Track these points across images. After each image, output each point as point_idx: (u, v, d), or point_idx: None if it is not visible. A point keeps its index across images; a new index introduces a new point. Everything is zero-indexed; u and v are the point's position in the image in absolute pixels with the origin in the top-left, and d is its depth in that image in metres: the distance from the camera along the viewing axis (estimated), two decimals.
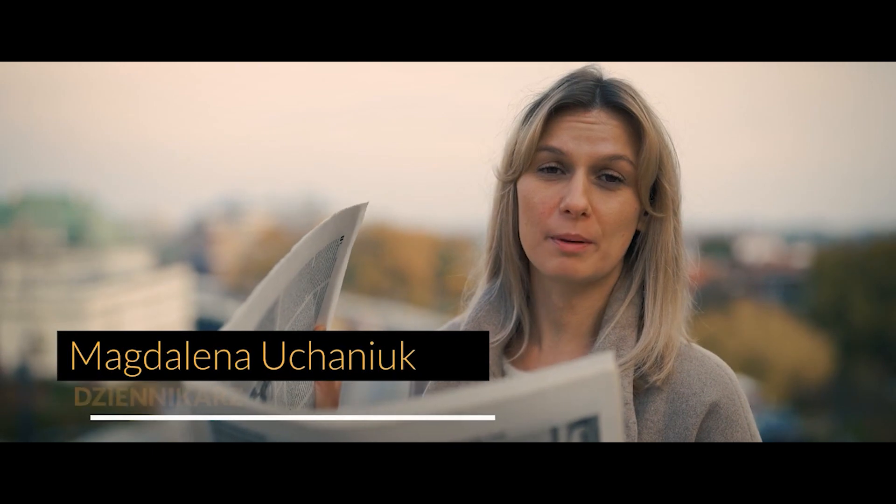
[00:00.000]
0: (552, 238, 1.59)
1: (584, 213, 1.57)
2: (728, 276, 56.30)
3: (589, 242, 1.58)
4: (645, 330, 1.61)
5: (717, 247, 64.03)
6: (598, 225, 1.58)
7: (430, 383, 1.69)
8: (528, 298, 1.72)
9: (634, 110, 1.60)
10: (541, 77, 1.68)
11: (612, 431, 1.02)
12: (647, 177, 1.60)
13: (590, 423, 1.00)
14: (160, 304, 51.34)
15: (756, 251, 65.79)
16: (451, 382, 1.66)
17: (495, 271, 1.73)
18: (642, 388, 1.58)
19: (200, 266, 75.86)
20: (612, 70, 1.67)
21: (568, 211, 1.57)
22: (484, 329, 1.70)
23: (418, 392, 1.80)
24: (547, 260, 1.60)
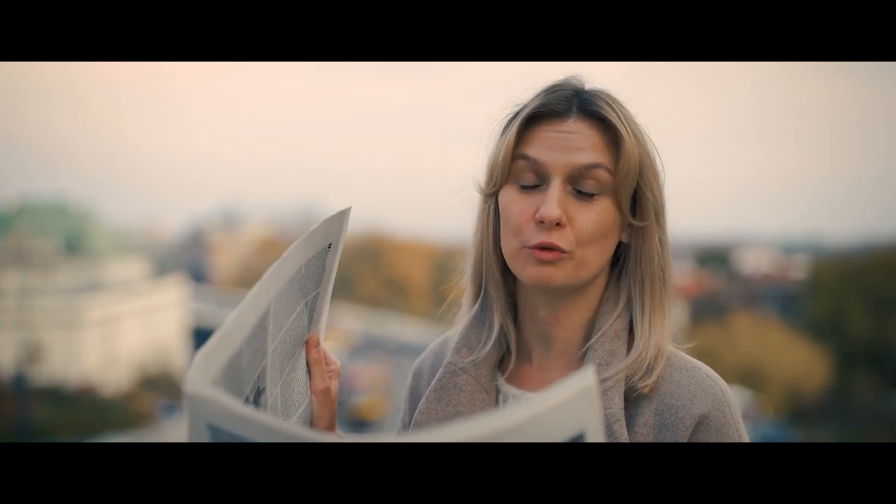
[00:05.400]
0: (528, 248, 1.58)
1: (558, 224, 1.55)
2: (725, 288, 56.32)
3: (563, 252, 1.57)
4: (635, 344, 1.59)
5: (715, 258, 64.05)
6: (573, 235, 1.56)
7: (418, 409, 1.68)
8: (516, 315, 1.71)
9: (611, 118, 1.58)
10: (526, 88, 1.66)
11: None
12: (626, 185, 1.58)
13: (577, 439, 1.00)
14: (157, 313, 51.33)
15: (754, 262, 65.83)
16: (441, 410, 1.66)
17: (479, 287, 1.73)
18: (631, 397, 1.57)
19: (198, 275, 75.88)
20: (599, 78, 1.66)
21: (542, 221, 1.56)
22: (471, 346, 1.70)
23: (413, 409, 1.79)
24: (523, 269, 1.59)
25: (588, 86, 1.64)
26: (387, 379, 41.47)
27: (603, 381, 1.55)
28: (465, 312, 1.75)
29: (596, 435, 1.01)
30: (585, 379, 1.00)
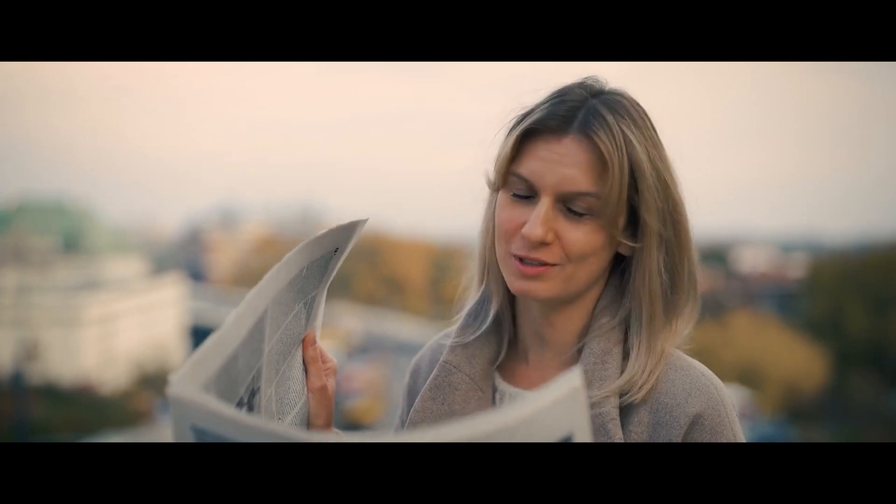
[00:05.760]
0: (513, 256, 1.58)
1: (543, 242, 1.55)
2: (724, 286, 56.29)
3: (551, 265, 1.56)
4: (630, 365, 1.58)
5: (713, 256, 64.00)
6: (562, 251, 1.56)
7: (413, 408, 1.69)
8: (514, 312, 1.72)
9: (603, 146, 1.54)
10: (533, 88, 1.65)
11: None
12: (608, 213, 1.56)
13: (566, 441, 1.00)
14: (155, 311, 51.30)
15: (752, 261, 65.83)
16: (436, 409, 1.67)
17: (482, 277, 1.73)
18: (623, 404, 1.56)
19: (196, 273, 75.80)
20: (613, 79, 1.63)
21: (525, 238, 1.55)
22: (466, 333, 1.70)
23: (410, 407, 1.80)
24: (510, 279, 1.60)
25: (605, 87, 1.61)
26: (384, 380, 41.28)
27: (598, 390, 1.56)
28: (469, 302, 1.76)
29: (583, 436, 1.02)
30: (572, 381, 1.00)
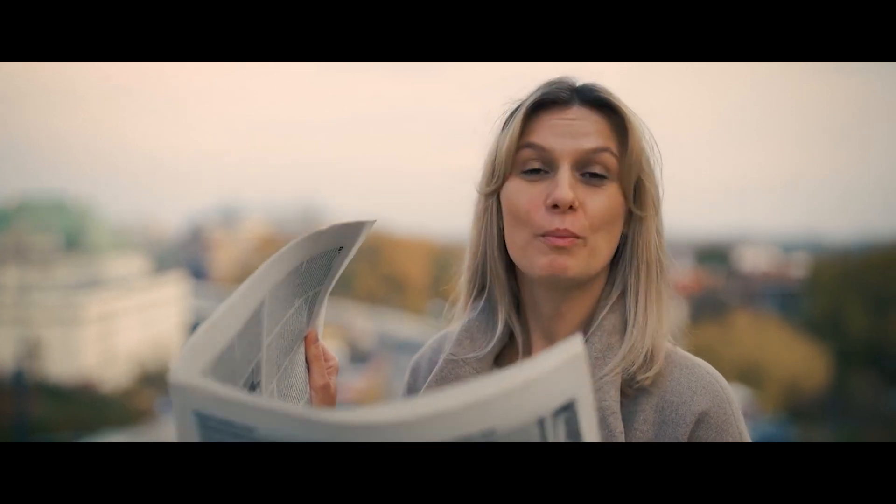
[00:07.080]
0: (541, 236, 1.57)
1: (571, 207, 1.55)
2: (725, 285, 56.31)
3: (577, 237, 1.57)
4: (629, 331, 1.59)
5: (715, 256, 64.07)
6: (586, 220, 1.56)
7: (424, 386, 1.69)
8: (519, 311, 1.71)
9: (615, 103, 1.60)
10: (524, 87, 1.67)
11: (588, 413, 1.02)
12: (632, 171, 1.59)
13: (570, 408, 1.01)
14: (156, 309, 51.34)
15: (753, 260, 65.81)
16: (445, 385, 1.66)
17: (481, 288, 1.72)
18: (631, 393, 1.57)
19: (197, 272, 75.80)
20: (599, 79, 1.66)
21: (556, 206, 1.55)
22: (474, 339, 1.70)
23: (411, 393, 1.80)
24: (536, 259, 1.58)
25: (583, 82, 1.65)
26: (382, 385, 40.91)
27: (600, 378, 1.56)
28: (461, 311, 1.75)
29: (586, 402, 1.02)
30: (574, 347, 1.00)
